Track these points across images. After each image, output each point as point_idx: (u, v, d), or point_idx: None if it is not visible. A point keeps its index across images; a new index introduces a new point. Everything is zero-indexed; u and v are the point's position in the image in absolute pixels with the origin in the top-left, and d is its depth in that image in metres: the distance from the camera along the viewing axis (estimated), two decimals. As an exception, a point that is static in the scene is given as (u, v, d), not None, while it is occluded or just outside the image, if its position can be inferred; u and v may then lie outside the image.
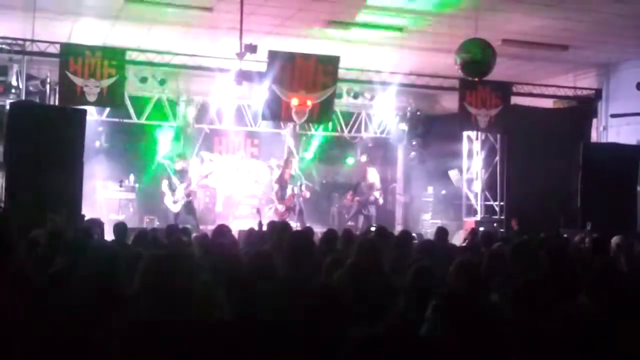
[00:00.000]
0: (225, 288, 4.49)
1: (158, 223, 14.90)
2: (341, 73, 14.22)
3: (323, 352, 4.06)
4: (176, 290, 4.01)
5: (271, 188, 16.67)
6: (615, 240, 8.07)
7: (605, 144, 15.51)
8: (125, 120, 16.14)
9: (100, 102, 13.02)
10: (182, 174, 14.92)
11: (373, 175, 16.17)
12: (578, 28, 12.67)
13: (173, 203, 14.72)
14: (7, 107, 12.56)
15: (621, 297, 4.80)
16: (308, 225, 13.26)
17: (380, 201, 16.34)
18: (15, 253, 5.72)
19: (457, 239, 14.03)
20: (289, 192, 15.00)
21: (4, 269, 5.06)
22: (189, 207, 14.78)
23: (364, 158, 18.59)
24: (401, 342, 3.42)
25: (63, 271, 5.48)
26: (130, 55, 13.27)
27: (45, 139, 11.41)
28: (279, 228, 8.72)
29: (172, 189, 14.74)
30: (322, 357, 3.97)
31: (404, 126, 18.22)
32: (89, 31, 13.41)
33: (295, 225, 13.75)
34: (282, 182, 15.15)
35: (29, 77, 13.92)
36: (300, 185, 15.03)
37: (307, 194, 15.26)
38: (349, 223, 15.97)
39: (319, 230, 10.88)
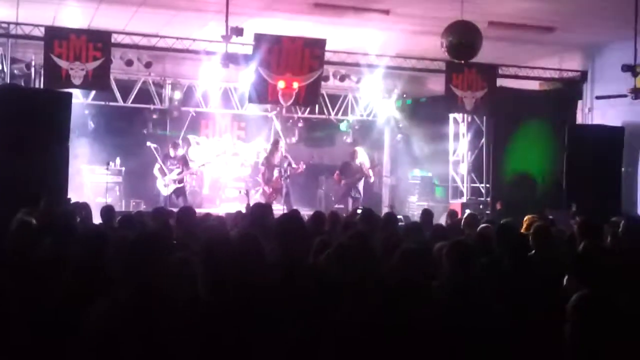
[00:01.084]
0: (213, 270, 4.51)
1: (144, 206, 14.89)
2: (327, 55, 14.20)
3: (312, 334, 4.10)
4: (156, 270, 4.03)
5: (258, 171, 16.67)
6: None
7: (590, 125, 15.60)
8: (111, 104, 16.09)
9: (85, 85, 12.94)
10: (175, 159, 14.93)
11: (362, 155, 16.12)
12: (564, 10, 12.68)
13: (164, 187, 14.78)
14: (-8, 90, 12.49)
15: (607, 277, 4.85)
16: (295, 208, 13.28)
17: (372, 179, 16.24)
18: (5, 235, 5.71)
19: (443, 221, 14.09)
20: (275, 174, 15.00)
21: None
22: (179, 191, 14.84)
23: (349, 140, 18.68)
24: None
25: (53, 254, 5.49)
26: (116, 38, 13.19)
27: (30, 122, 11.32)
28: (259, 210, 8.66)
29: (164, 173, 14.77)
30: (312, 340, 4.01)
31: (391, 108, 18.25)
32: (73, 14, 13.31)
33: (282, 207, 13.77)
34: (269, 164, 15.15)
35: (14, 61, 13.83)
36: (289, 164, 15.05)
37: (303, 166, 15.30)
38: (338, 206, 15.88)
39: (305, 213, 10.90)
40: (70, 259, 5.01)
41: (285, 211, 12.11)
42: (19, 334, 4.21)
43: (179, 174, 14.75)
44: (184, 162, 15.17)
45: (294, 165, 15.12)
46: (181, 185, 14.96)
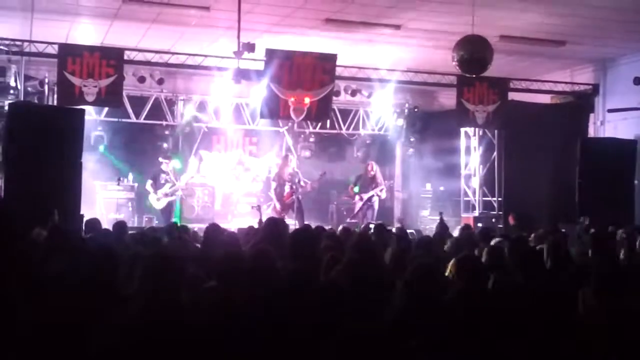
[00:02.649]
0: (227, 285, 4.52)
1: (157, 222, 14.90)
2: (339, 70, 14.24)
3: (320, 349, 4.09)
4: (172, 287, 4.03)
5: (270, 186, 16.68)
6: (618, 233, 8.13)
7: (602, 138, 15.56)
8: (124, 120, 16.16)
9: (98, 102, 13.03)
10: (167, 173, 14.95)
11: (376, 168, 16.04)
12: (575, 23, 12.70)
13: (157, 200, 14.79)
14: (6, 107, 12.55)
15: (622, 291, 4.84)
16: (306, 223, 13.28)
17: (383, 195, 16.09)
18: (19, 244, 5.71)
19: (455, 235, 14.04)
20: (287, 189, 14.99)
21: (10, 259, 5.05)
22: (172, 205, 14.85)
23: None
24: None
25: (62, 271, 5.50)
26: (129, 55, 13.27)
27: (44, 139, 11.37)
28: (272, 225, 8.63)
29: (156, 187, 14.76)
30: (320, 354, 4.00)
31: (402, 123, 18.25)
32: (86, 31, 13.44)
33: (293, 223, 13.75)
34: (280, 180, 15.15)
35: (27, 78, 13.94)
36: (299, 182, 15.03)
37: (309, 187, 15.24)
38: (350, 220, 15.75)
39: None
40: (78, 275, 5.01)
41: (297, 227, 12.09)
42: (25, 350, 4.21)
43: (170, 187, 14.74)
44: (174, 175, 15.10)
45: (302, 183, 15.09)
46: (173, 198, 14.91)
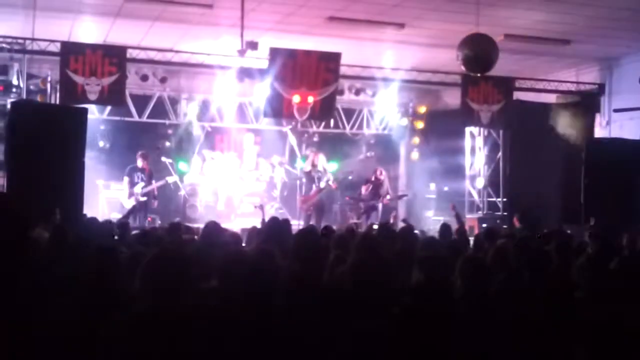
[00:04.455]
0: (228, 286, 4.47)
1: (160, 222, 14.83)
2: (343, 69, 14.18)
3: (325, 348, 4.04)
4: (175, 287, 3.99)
5: (273, 185, 16.65)
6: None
7: (608, 138, 15.45)
8: (127, 119, 16.10)
9: (101, 101, 12.99)
10: (142, 172, 14.56)
11: (384, 175, 16.02)
12: (580, 22, 12.62)
13: (127, 198, 14.36)
14: (8, 106, 12.53)
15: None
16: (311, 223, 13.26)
17: (388, 197, 15.99)
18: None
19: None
20: (313, 188, 15.03)
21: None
22: (141, 206, 14.18)
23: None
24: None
25: (65, 272, 5.45)
26: (131, 53, 13.24)
27: (47, 138, 11.34)
28: (275, 225, 8.56)
29: (131, 185, 14.42)
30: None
31: (406, 122, 18.17)
32: (89, 29, 13.41)
33: (297, 223, 13.69)
34: (308, 177, 15.15)
35: (30, 76, 13.90)
36: (327, 181, 15.03)
37: (334, 185, 15.28)
38: (352, 221, 15.71)
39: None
40: (81, 275, 4.97)
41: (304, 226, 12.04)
42: (33, 351, 4.17)
43: (143, 187, 14.35)
44: (150, 175, 14.63)
45: (331, 183, 15.08)
46: (144, 199, 14.34)
